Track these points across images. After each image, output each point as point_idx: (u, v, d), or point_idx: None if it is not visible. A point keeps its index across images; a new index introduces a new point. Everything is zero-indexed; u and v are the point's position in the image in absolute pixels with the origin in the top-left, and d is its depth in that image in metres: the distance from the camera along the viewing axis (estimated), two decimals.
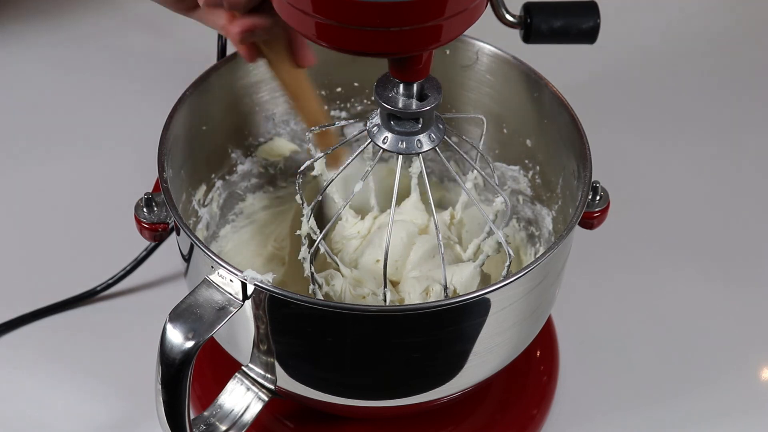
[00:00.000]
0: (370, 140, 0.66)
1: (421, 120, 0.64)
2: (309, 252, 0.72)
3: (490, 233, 0.75)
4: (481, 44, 0.79)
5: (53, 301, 0.90)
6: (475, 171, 0.74)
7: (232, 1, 0.67)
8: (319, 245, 0.72)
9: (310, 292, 0.73)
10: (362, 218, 0.80)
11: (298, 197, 0.75)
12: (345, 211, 0.79)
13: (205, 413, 0.72)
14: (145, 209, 0.70)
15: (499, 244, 0.73)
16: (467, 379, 0.69)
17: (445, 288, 0.70)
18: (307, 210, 0.74)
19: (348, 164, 0.69)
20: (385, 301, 0.70)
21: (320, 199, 0.72)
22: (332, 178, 0.70)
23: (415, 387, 0.68)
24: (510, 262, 0.70)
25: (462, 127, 0.84)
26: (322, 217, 0.80)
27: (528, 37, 0.73)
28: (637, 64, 1.17)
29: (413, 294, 0.74)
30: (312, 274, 0.72)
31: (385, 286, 0.69)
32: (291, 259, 0.84)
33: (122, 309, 0.91)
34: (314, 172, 0.77)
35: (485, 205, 0.85)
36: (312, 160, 0.73)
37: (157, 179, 0.69)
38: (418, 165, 0.80)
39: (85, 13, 1.21)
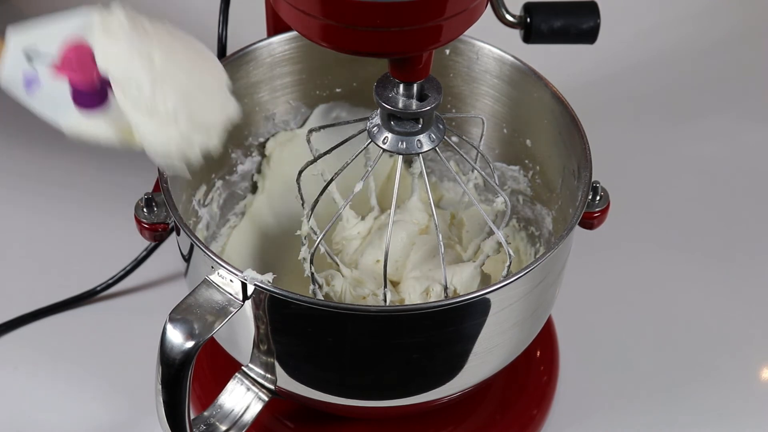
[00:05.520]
0: (370, 140, 0.66)
1: (421, 120, 0.64)
2: (309, 252, 0.72)
3: (490, 233, 0.75)
4: (481, 44, 0.79)
5: (53, 301, 0.90)
6: (475, 171, 0.73)
7: None
8: (321, 246, 0.72)
9: (310, 292, 0.73)
10: (363, 218, 0.80)
11: (297, 197, 0.75)
12: (345, 211, 0.79)
13: (205, 413, 0.72)
14: (145, 209, 0.70)
15: (499, 244, 0.73)
16: (467, 380, 0.69)
17: (446, 288, 0.70)
18: (307, 210, 0.74)
19: (348, 164, 0.69)
20: (385, 301, 0.70)
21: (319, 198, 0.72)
22: (332, 178, 0.71)
23: (415, 387, 0.68)
24: (510, 262, 0.70)
25: (462, 127, 0.84)
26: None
27: (528, 37, 0.73)
28: (637, 64, 1.17)
29: (413, 294, 0.74)
30: (312, 274, 0.72)
31: (385, 287, 0.69)
32: (291, 259, 0.84)
33: (122, 309, 0.91)
34: (314, 172, 0.77)
35: (485, 205, 0.85)
36: (312, 159, 0.73)
37: (157, 179, 0.69)
38: (418, 165, 0.80)
39: None
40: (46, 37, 0.56)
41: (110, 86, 0.55)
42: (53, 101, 0.56)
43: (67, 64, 0.55)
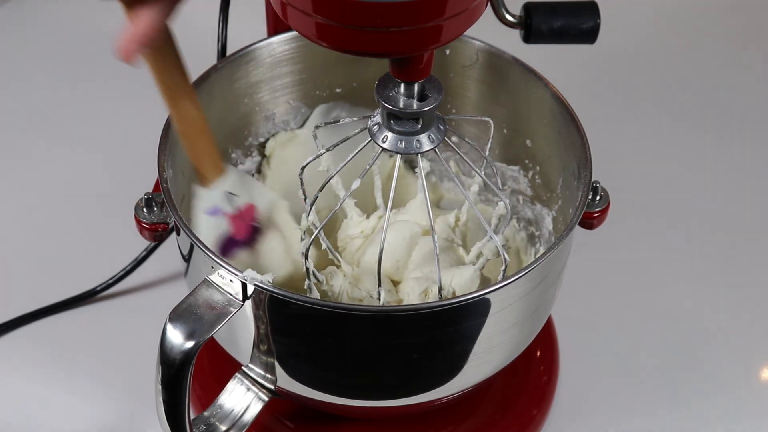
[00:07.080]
0: (370, 138, 0.66)
1: (420, 120, 0.64)
2: (305, 246, 0.71)
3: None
4: (481, 44, 0.79)
5: (53, 301, 0.90)
6: (479, 173, 0.73)
7: None
8: (321, 241, 0.72)
9: (305, 287, 0.73)
10: (367, 217, 0.80)
11: (300, 192, 0.75)
12: (351, 209, 0.79)
13: (205, 413, 0.72)
14: (145, 209, 0.70)
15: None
16: (467, 380, 0.69)
17: (440, 289, 0.69)
18: (307, 204, 0.73)
19: (348, 161, 0.69)
20: (379, 299, 0.70)
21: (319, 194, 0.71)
22: (331, 175, 0.70)
23: (415, 387, 0.68)
24: (506, 267, 0.70)
25: (463, 128, 0.84)
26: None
27: (528, 37, 0.73)
28: (636, 65, 1.17)
29: (412, 295, 0.74)
30: (307, 269, 0.72)
31: (379, 285, 0.69)
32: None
33: (122, 309, 0.91)
34: (320, 168, 0.77)
35: (488, 206, 0.85)
36: (315, 155, 0.72)
37: (157, 179, 0.69)
38: (425, 165, 0.80)
39: (86, 13, 1.21)
40: (244, 191, 0.75)
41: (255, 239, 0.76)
42: (215, 230, 0.73)
43: (241, 217, 0.75)
